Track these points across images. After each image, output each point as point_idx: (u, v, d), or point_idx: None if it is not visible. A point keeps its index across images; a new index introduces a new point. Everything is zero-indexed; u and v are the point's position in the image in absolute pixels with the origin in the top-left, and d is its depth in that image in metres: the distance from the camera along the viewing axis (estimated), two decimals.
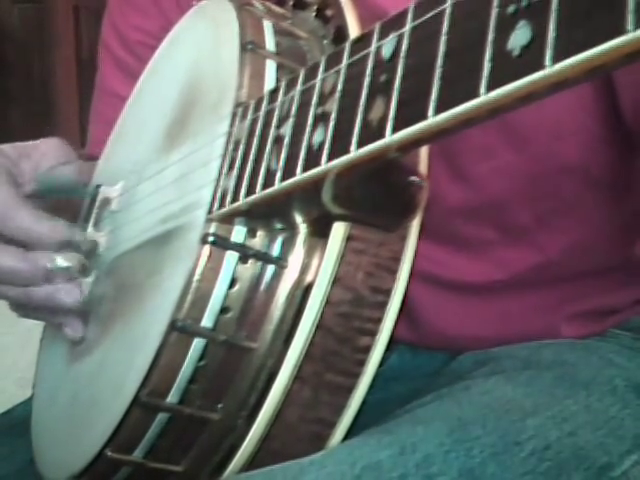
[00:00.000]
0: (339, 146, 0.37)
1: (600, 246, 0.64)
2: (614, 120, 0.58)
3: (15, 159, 0.62)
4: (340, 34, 0.52)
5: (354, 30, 0.50)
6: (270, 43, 0.52)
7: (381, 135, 0.34)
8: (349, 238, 0.46)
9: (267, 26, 0.53)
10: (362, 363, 0.47)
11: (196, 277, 0.46)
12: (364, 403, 0.48)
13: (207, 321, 0.47)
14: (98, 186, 0.65)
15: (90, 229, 0.63)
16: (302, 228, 0.47)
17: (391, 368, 0.68)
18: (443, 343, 0.67)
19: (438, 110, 0.31)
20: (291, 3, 0.59)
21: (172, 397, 0.47)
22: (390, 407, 0.61)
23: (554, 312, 0.65)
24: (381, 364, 0.67)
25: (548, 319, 0.65)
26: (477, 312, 0.65)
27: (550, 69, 0.27)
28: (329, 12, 0.55)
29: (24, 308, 0.61)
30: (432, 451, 0.48)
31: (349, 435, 0.49)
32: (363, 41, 0.38)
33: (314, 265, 0.47)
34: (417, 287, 0.62)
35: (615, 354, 0.63)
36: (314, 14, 0.56)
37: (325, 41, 0.54)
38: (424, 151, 0.48)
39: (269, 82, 0.50)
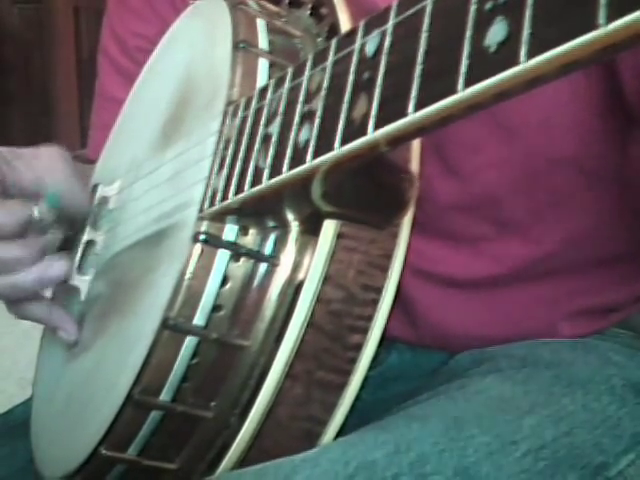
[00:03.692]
0: (324, 144, 0.37)
1: (597, 239, 0.63)
2: (607, 111, 0.57)
3: (9, 159, 0.62)
4: (333, 32, 0.52)
5: (346, 28, 0.50)
6: (263, 42, 0.52)
7: (364, 132, 0.34)
8: (339, 236, 0.46)
9: (260, 25, 0.53)
10: (353, 361, 0.47)
11: (187, 275, 0.47)
12: (357, 401, 0.48)
13: (199, 319, 0.47)
14: (96, 185, 0.65)
15: (88, 228, 0.64)
16: (294, 226, 0.47)
17: (390, 367, 0.68)
18: (441, 341, 0.67)
19: (417, 107, 0.31)
20: (287, 1, 0.59)
21: (165, 395, 0.48)
22: (389, 406, 0.61)
23: (552, 309, 0.65)
24: (381, 363, 0.68)
25: (546, 317, 0.65)
26: (474, 309, 0.65)
27: (525, 65, 0.27)
28: (324, 10, 0.55)
29: (19, 304, 0.61)
30: (427, 450, 0.48)
31: (344, 433, 0.49)
32: (348, 38, 0.38)
33: (306, 263, 0.47)
34: (413, 283, 0.62)
35: (614, 353, 0.62)
36: (309, 12, 0.57)
37: (319, 39, 0.54)
38: (416, 148, 0.48)
39: (261, 80, 0.50)
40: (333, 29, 0.52)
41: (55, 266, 0.59)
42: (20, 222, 0.58)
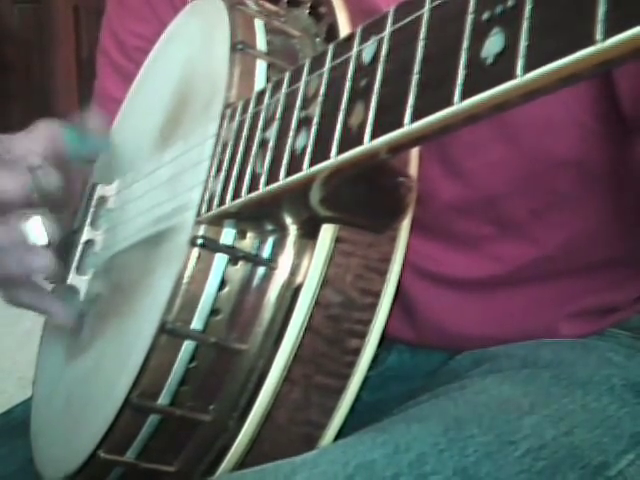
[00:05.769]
0: (320, 151, 0.37)
1: (598, 240, 0.63)
2: (608, 113, 0.57)
3: (7, 144, 0.61)
4: (332, 32, 0.52)
5: (345, 28, 0.50)
6: (261, 43, 0.52)
7: (360, 141, 0.34)
8: (338, 240, 0.46)
9: (258, 25, 0.53)
10: (352, 365, 0.47)
11: (185, 279, 0.46)
12: (355, 403, 0.48)
13: (197, 323, 0.47)
14: (95, 184, 0.65)
15: (87, 227, 0.64)
16: (292, 229, 0.47)
17: (390, 368, 0.68)
18: (441, 341, 0.67)
19: (414, 118, 0.31)
20: (285, 0, 0.59)
21: (163, 399, 0.48)
22: (389, 407, 0.61)
23: (553, 310, 0.65)
24: (380, 364, 0.68)
25: (547, 317, 0.65)
26: (475, 309, 0.65)
27: (521, 78, 0.26)
28: (322, 9, 0.55)
29: (7, 288, 0.61)
30: (426, 450, 0.48)
31: (342, 436, 0.49)
32: (346, 44, 0.38)
33: (304, 267, 0.46)
34: (414, 284, 0.62)
35: (614, 353, 0.62)
36: (307, 11, 0.56)
37: (317, 39, 0.54)
38: (414, 151, 0.48)
39: (259, 82, 0.50)
40: (332, 29, 0.52)
41: (38, 257, 0.58)
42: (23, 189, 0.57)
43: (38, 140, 0.61)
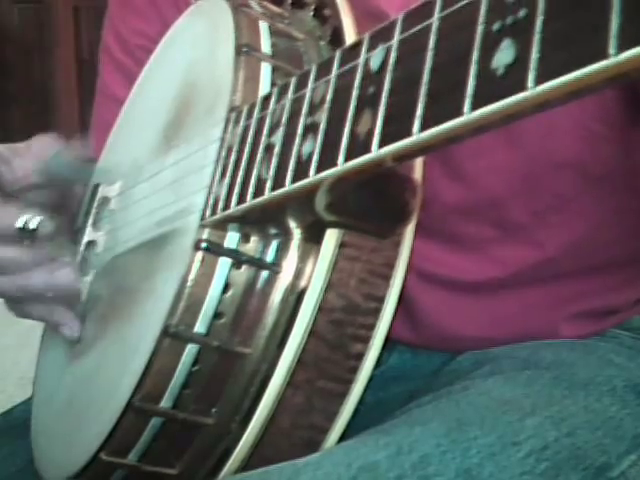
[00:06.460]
0: (327, 158, 0.37)
1: (599, 243, 0.63)
2: (610, 116, 0.57)
3: (7, 157, 0.61)
4: (336, 35, 0.52)
5: (349, 32, 0.50)
6: (266, 45, 0.52)
7: (368, 149, 0.34)
8: (342, 245, 0.45)
9: (263, 27, 0.53)
10: (355, 370, 0.47)
11: (189, 283, 0.46)
12: (359, 408, 0.48)
13: (200, 327, 0.47)
14: (97, 185, 0.65)
15: (89, 228, 0.63)
16: (296, 233, 0.47)
17: (391, 368, 0.68)
18: (443, 343, 0.67)
19: (423, 127, 0.31)
20: (289, 2, 0.59)
21: (165, 402, 0.48)
22: (390, 407, 0.61)
23: (554, 312, 0.65)
24: (381, 364, 0.68)
25: (548, 319, 0.65)
26: (476, 311, 0.65)
27: (532, 91, 0.26)
28: (327, 12, 0.55)
29: (21, 304, 0.61)
30: (429, 451, 0.48)
31: (343, 436, 0.49)
32: (353, 51, 0.37)
33: (308, 271, 0.46)
34: (416, 286, 0.62)
35: (615, 354, 0.62)
36: (312, 14, 0.56)
37: (322, 42, 0.54)
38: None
39: (264, 85, 0.49)
40: (336, 32, 0.52)
41: (63, 272, 0.59)
42: (15, 226, 0.58)
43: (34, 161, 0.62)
